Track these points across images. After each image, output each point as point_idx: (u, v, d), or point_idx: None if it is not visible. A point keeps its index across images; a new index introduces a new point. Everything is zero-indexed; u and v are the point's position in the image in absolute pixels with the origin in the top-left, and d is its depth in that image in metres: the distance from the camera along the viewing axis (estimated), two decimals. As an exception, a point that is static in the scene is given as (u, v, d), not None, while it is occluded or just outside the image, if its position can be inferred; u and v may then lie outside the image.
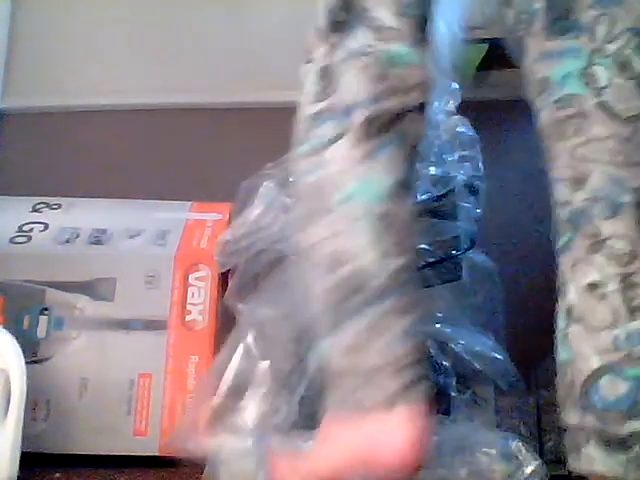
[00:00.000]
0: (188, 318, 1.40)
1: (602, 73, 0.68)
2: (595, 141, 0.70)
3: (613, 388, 0.60)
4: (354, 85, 0.71)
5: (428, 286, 1.06)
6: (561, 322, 0.66)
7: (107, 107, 2.03)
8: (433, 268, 1.05)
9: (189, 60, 1.83)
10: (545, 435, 1.30)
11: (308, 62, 0.76)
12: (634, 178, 0.65)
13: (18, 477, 1.10)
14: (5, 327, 1.22)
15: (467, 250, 1.08)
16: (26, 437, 1.13)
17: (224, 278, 1.36)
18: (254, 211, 1.12)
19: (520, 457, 0.87)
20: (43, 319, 1.44)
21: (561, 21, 0.73)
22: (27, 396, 1.14)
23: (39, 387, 1.30)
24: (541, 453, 1.24)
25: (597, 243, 0.67)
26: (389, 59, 0.72)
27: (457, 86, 1.23)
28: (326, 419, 0.70)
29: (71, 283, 1.46)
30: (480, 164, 1.14)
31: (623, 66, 0.67)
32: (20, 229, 1.56)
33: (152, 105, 1.82)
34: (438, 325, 1.02)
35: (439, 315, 1.05)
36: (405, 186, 0.72)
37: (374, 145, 0.70)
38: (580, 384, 0.63)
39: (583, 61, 0.70)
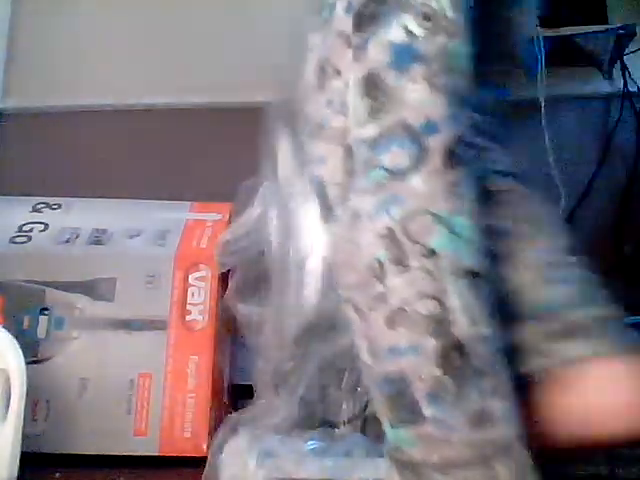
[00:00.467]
0: (188, 318, 1.40)
1: None
2: None
3: None
4: (420, 99, 0.60)
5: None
6: None
7: (107, 107, 2.03)
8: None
9: (189, 60, 1.83)
10: (545, 435, 1.30)
11: (334, 74, 0.65)
12: None
13: (18, 477, 1.10)
14: (5, 327, 1.22)
15: (467, 250, 1.08)
16: (26, 437, 1.13)
17: (224, 278, 1.37)
18: (254, 211, 1.12)
19: (520, 457, 0.88)
20: (43, 319, 1.44)
21: None
22: (27, 396, 1.14)
23: (39, 387, 1.30)
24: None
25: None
26: (451, 60, 0.62)
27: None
28: None
29: (71, 283, 1.46)
30: (480, 164, 1.14)
31: None
32: (20, 229, 1.56)
33: (152, 105, 1.82)
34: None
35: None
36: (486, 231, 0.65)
37: (456, 178, 0.62)
38: None
39: None
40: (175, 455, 1.30)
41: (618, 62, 1.84)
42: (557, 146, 1.73)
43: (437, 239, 0.60)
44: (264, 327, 1.10)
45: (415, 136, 0.60)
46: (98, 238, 1.54)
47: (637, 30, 1.74)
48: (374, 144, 0.61)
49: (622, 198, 1.84)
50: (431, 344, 0.60)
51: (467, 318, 0.61)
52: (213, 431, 1.27)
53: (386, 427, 0.65)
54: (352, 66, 0.63)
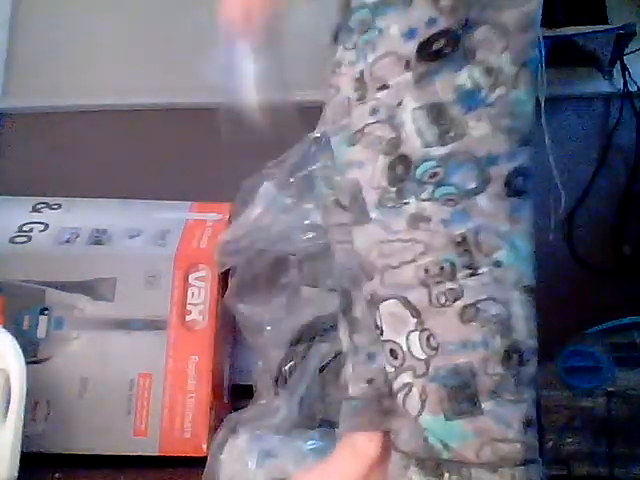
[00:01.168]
0: (188, 318, 1.40)
1: None
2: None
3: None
4: (489, 135, 0.70)
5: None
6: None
7: (107, 107, 2.03)
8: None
9: (189, 60, 1.83)
10: (545, 435, 1.30)
11: (380, 87, 0.72)
12: None
13: (18, 477, 1.10)
14: (5, 327, 1.22)
15: (467, 250, 1.08)
16: (26, 437, 1.13)
17: (224, 278, 1.37)
18: (254, 211, 1.12)
19: (520, 457, 0.88)
20: (43, 319, 1.44)
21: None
22: (27, 396, 1.14)
23: (39, 387, 1.30)
24: (541, 453, 1.25)
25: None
26: (513, 107, 0.71)
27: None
28: None
29: (71, 283, 1.46)
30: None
31: None
32: (20, 229, 1.56)
33: (152, 105, 1.82)
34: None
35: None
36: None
37: (514, 204, 0.71)
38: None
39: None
40: (175, 455, 1.30)
41: (618, 62, 1.84)
42: (557, 146, 1.72)
43: (502, 253, 0.70)
44: (264, 327, 1.10)
45: (479, 164, 0.69)
46: (98, 238, 1.54)
47: (637, 30, 1.74)
48: (443, 163, 0.70)
49: (622, 198, 1.84)
50: (499, 343, 0.68)
51: (526, 328, 0.71)
52: (213, 431, 1.27)
53: (432, 423, 0.68)
54: (412, 90, 0.71)
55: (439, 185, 0.70)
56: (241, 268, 1.16)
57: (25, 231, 1.55)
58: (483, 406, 0.67)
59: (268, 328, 1.09)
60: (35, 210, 1.64)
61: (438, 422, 0.68)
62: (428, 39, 0.70)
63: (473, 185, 0.69)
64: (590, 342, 1.38)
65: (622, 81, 1.84)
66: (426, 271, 0.69)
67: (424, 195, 0.70)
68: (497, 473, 0.67)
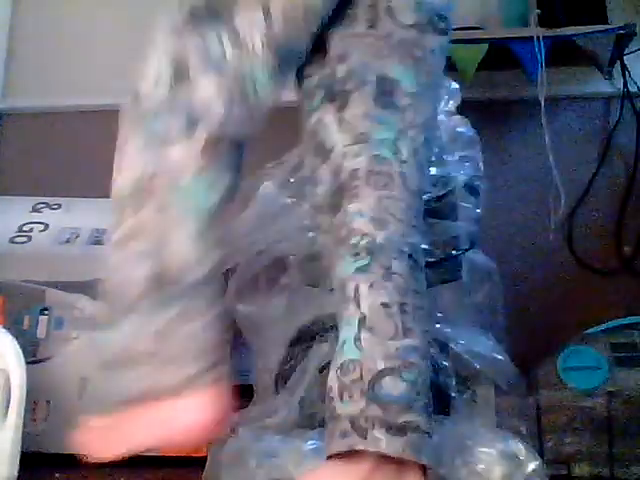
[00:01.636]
0: (188, 318, 1.39)
1: (404, 149, 0.80)
2: (394, 199, 0.79)
3: (395, 386, 0.70)
4: (209, 96, 0.76)
5: (428, 286, 1.06)
6: (351, 328, 0.75)
7: (107, 107, 2.02)
8: (433, 268, 1.05)
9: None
10: (545, 435, 1.30)
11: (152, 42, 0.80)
12: (410, 236, 0.78)
13: (18, 477, 1.10)
14: (5, 327, 1.22)
15: (467, 250, 1.08)
16: (26, 437, 1.13)
17: (224, 278, 1.36)
18: (254, 211, 1.12)
19: (520, 457, 0.87)
20: (43, 319, 1.44)
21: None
22: (27, 396, 1.14)
23: (39, 387, 1.30)
24: (541, 453, 1.24)
25: (388, 274, 0.75)
26: (251, 84, 0.78)
27: (457, 86, 1.23)
28: (128, 404, 0.79)
29: (71, 283, 1.46)
30: (480, 164, 1.14)
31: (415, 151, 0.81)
32: (20, 229, 1.56)
33: (152, 105, 1.81)
34: (438, 325, 1.02)
35: (439, 315, 1.05)
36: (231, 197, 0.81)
37: (210, 160, 0.78)
38: (368, 380, 0.71)
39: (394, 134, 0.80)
40: (175, 455, 1.30)
41: (618, 62, 1.84)
42: (557, 146, 1.72)
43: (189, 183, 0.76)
44: (263, 327, 1.10)
45: (194, 120, 0.76)
46: (98, 238, 1.54)
47: (637, 30, 1.74)
48: (162, 105, 0.79)
49: (622, 198, 1.84)
50: None
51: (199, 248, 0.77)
52: (213, 431, 1.27)
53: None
54: (170, 45, 0.83)
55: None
56: (241, 268, 1.16)
57: (25, 231, 1.55)
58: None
59: (268, 328, 1.09)
60: (35, 210, 1.64)
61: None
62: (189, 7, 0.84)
63: (175, 134, 0.77)
64: (590, 342, 1.38)
65: (622, 81, 1.84)
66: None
67: None
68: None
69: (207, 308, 0.79)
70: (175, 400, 0.77)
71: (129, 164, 0.79)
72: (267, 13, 0.77)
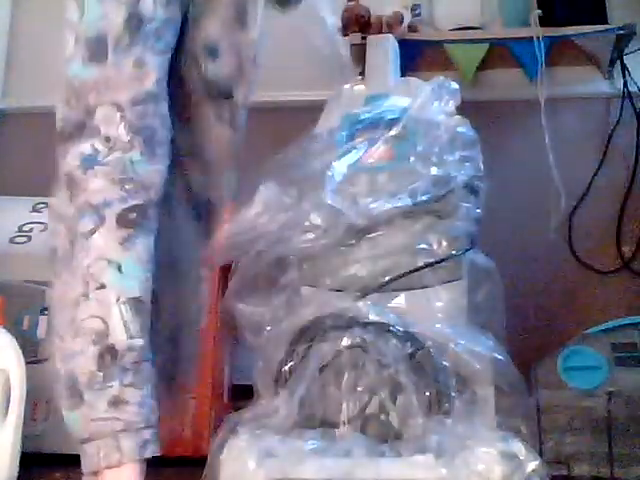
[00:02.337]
0: (188, 318, 1.40)
1: None
2: None
3: None
4: (102, 189, 0.92)
5: (428, 286, 1.06)
6: None
7: (107, 107, 2.02)
8: (433, 268, 1.05)
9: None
10: (545, 435, 1.30)
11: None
12: None
13: (18, 477, 1.10)
14: (5, 327, 1.22)
15: (467, 250, 1.08)
16: (26, 437, 1.13)
17: (224, 278, 1.36)
18: (254, 211, 1.12)
19: (520, 457, 0.87)
20: (43, 319, 1.44)
21: None
22: (27, 396, 1.14)
23: (39, 387, 1.30)
24: (541, 453, 1.24)
25: None
26: (130, 165, 0.93)
27: (457, 86, 1.23)
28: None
29: (71, 283, 1.46)
30: (480, 164, 1.14)
31: None
32: (20, 229, 1.56)
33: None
34: (438, 325, 1.02)
35: (439, 315, 1.04)
36: (150, 274, 0.92)
37: (127, 234, 0.90)
38: None
39: None
40: (175, 455, 1.30)
41: (618, 62, 1.84)
42: (557, 146, 1.73)
43: (107, 276, 0.89)
44: (264, 327, 1.10)
45: (96, 210, 0.91)
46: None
47: (637, 30, 1.74)
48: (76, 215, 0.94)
49: (622, 198, 1.84)
50: (92, 349, 0.88)
51: (124, 332, 0.88)
52: (213, 431, 1.27)
53: (65, 414, 0.91)
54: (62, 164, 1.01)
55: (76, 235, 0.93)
56: (241, 268, 1.16)
57: (25, 231, 1.55)
58: (84, 397, 0.88)
59: (268, 328, 1.08)
60: (35, 210, 1.64)
61: (66, 414, 0.91)
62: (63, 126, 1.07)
63: (91, 227, 0.90)
64: (590, 342, 1.38)
65: (622, 81, 1.84)
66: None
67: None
68: (93, 444, 0.87)
69: (140, 387, 0.89)
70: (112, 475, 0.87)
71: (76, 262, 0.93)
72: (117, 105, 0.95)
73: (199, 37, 1.07)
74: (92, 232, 0.91)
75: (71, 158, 0.99)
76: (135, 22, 0.98)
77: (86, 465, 0.89)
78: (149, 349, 0.91)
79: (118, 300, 0.89)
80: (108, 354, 0.88)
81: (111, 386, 0.87)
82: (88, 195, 0.93)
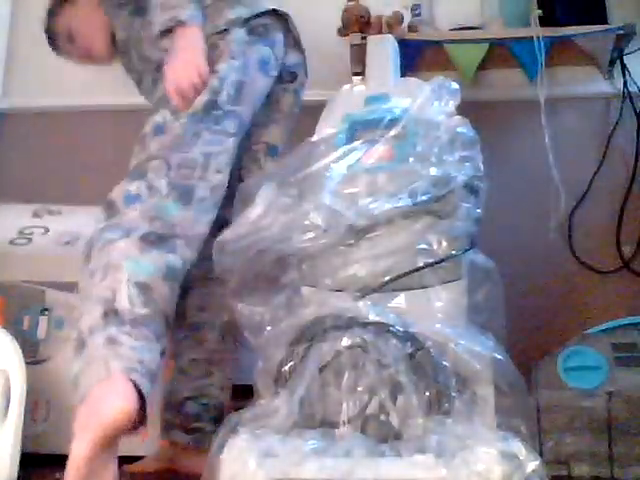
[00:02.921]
0: (188, 318, 1.40)
1: None
2: None
3: None
4: (135, 218, 1.16)
5: (428, 286, 1.06)
6: None
7: (107, 107, 2.03)
8: (433, 268, 1.05)
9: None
10: (545, 435, 1.30)
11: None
12: None
13: (18, 477, 1.10)
14: (5, 327, 1.22)
15: (467, 250, 1.08)
16: (26, 437, 1.13)
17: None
18: (254, 211, 1.12)
19: (520, 457, 0.87)
20: (43, 319, 1.44)
21: None
22: (27, 396, 1.14)
23: (39, 387, 1.30)
24: (541, 453, 1.24)
25: None
26: (160, 209, 1.17)
27: (457, 86, 1.23)
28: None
29: (71, 283, 1.46)
30: (480, 164, 1.14)
31: None
32: (21, 232, 1.56)
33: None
34: (438, 325, 1.02)
35: (439, 315, 1.04)
36: (161, 275, 1.12)
37: (147, 247, 1.13)
38: None
39: None
40: (175, 455, 1.30)
41: (618, 62, 1.84)
42: (557, 146, 1.73)
43: (124, 264, 1.11)
44: (264, 327, 1.10)
45: (128, 230, 1.15)
46: (98, 238, 1.54)
47: (637, 30, 1.74)
48: (105, 228, 1.17)
49: (622, 198, 1.85)
50: (98, 308, 1.07)
51: (127, 302, 1.07)
52: (213, 431, 1.27)
53: (72, 370, 1.05)
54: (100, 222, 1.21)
55: (98, 240, 1.17)
56: (241, 268, 1.16)
57: (26, 234, 1.55)
58: (87, 342, 1.04)
59: (268, 328, 1.08)
60: (36, 215, 1.64)
61: (72, 370, 1.04)
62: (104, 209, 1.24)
63: (117, 237, 1.15)
64: (590, 342, 1.38)
65: (622, 81, 1.84)
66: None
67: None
68: (88, 374, 1.03)
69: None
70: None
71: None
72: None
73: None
74: (117, 240, 1.12)
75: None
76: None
77: (79, 395, 0.99)
78: (154, 323, 1.08)
79: (128, 280, 1.08)
80: (112, 313, 1.06)
81: (109, 331, 1.03)
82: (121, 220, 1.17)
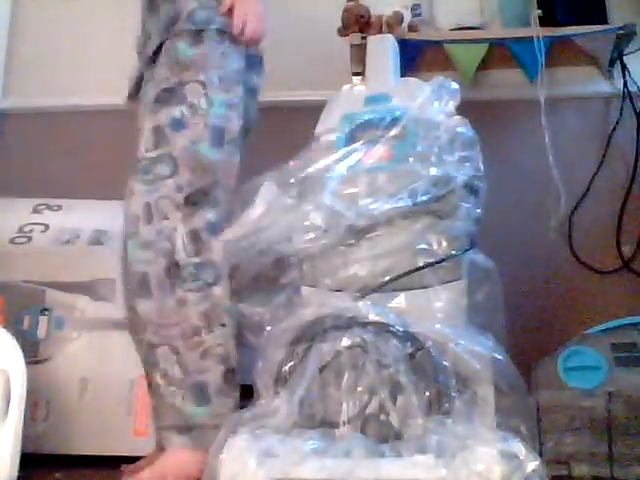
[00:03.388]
0: (188, 318, 1.40)
1: None
2: None
3: None
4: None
5: (428, 286, 1.06)
6: None
7: (107, 107, 2.02)
8: (433, 268, 1.06)
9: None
10: (545, 435, 1.30)
11: (164, 219, 1.24)
12: None
13: (18, 477, 1.10)
14: (5, 327, 1.22)
15: (467, 250, 1.08)
16: (26, 437, 1.13)
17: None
18: (255, 211, 1.12)
19: (520, 457, 0.87)
20: (43, 319, 1.44)
21: None
22: (27, 396, 1.14)
23: (39, 387, 1.30)
24: (541, 453, 1.24)
25: None
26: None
27: (457, 86, 1.23)
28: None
29: (71, 283, 1.46)
30: (480, 164, 1.14)
31: None
32: (21, 230, 1.56)
33: (152, 105, 1.81)
34: (438, 325, 1.02)
35: (439, 315, 1.04)
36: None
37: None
38: None
39: None
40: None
41: (618, 62, 1.84)
42: (557, 146, 1.73)
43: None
44: (264, 327, 1.10)
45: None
46: (98, 239, 1.54)
47: (637, 30, 1.74)
48: (197, 266, 1.23)
49: (622, 198, 1.85)
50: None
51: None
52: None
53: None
54: (180, 221, 1.25)
55: (195, 280, 1.23)
56: (241, 268, 1.16)
57: (25, 232, 1.55)
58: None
59: (268, 328, 1.09)
60: (35, 211, 1.64)
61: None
62: (189, 194, 1.25)
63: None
64: (590, 342, 1.38)
65: (622, 81, 1.84)
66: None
67: (187, 286, 1.23)
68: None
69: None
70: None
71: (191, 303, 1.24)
72: None
73: None
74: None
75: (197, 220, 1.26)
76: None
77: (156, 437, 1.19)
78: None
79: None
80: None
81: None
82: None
